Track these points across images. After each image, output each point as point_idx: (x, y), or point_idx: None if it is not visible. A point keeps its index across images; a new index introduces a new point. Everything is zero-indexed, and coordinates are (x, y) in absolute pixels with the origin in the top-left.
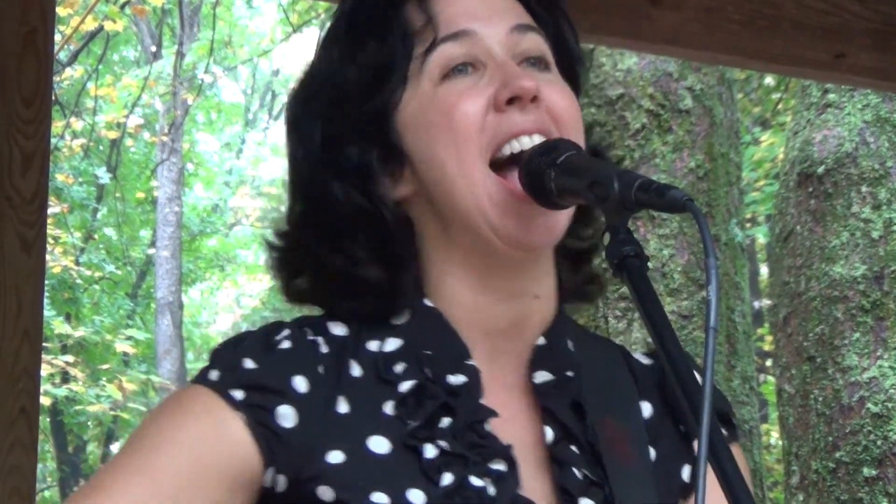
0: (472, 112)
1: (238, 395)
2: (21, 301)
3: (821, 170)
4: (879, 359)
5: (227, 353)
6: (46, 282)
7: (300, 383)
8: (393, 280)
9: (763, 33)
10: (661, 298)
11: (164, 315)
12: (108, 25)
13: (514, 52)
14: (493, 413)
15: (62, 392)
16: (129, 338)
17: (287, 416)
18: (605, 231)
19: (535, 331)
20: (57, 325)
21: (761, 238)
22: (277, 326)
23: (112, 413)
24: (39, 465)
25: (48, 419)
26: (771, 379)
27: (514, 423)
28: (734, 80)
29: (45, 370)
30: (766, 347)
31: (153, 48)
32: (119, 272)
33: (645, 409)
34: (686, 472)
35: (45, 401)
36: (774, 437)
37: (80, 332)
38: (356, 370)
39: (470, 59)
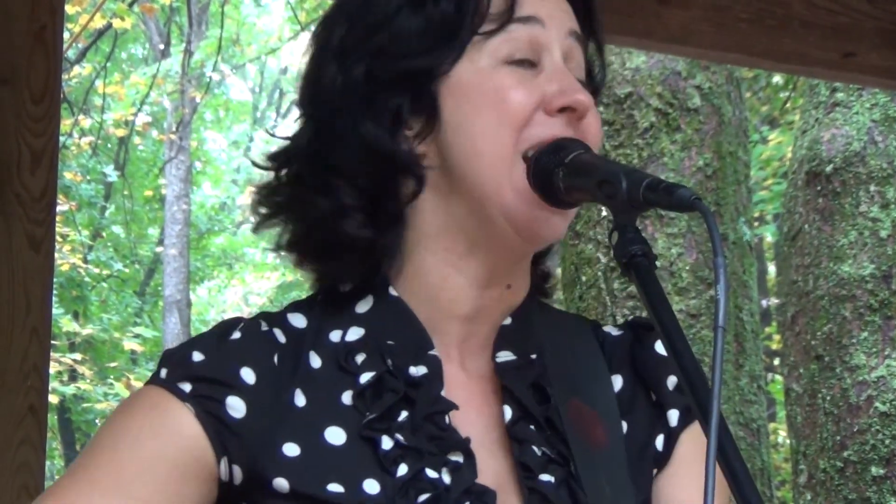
0: (525, 102)
1: (186, 387)
2: (30, 299)
3: (829, 169)
4: (887, 358)
5: (175, 352)
6: (54, 280)
7: (248, 374)
8: (373, 241)
9: (772, 32)
10: (669, 297)
11: (171, 313)
12: (117, 23)
13: (566, 59)
14: (452, 405)
15: (70, 390)
16: (137, 336)
17: (236, 406)
18: (614, 230)
19: (503, 315)
20: (65, 323)
21: (769, 237)
22: (233, 321)
23: None
24: (47, 463)
25: (56, 417)
26: (779, 378)
27: (474, 407)
28: (742, 79)
29: (53, 368)
30: (774, 346)
31: (161, 46)
32: (127, 270)
33: (616, 382)
34: (660, 442)
35: (52, 399)
36: (782, 435)
37: (88, 330)
38: (315, 361)
39: (531, 56)
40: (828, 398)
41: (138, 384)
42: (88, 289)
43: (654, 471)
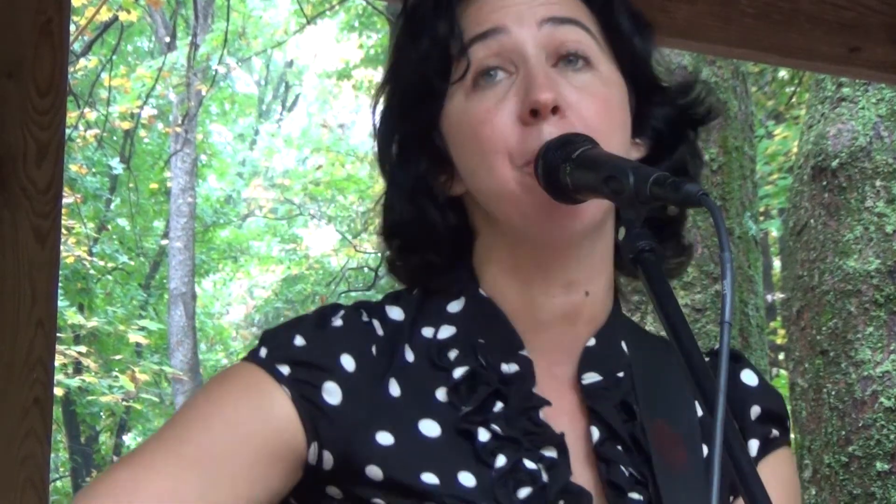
0: (499, 128)
1: (284, 370)
2: (35, 291)
3: (835, 164)
4: (893, 353)
5: (277, 332)
6: (59, 272)
7: (348, 362)
8: (454, 263)
9: (778, 27)
10: (675, 292)
11: (176, 306)
12: (123, 16)
13: (549, 48)
14: (545, 402)
15: (75, 382)
16: (142, 328)
17: (333, 392)
18: (621, 225)
19: (586, 328)
20: (70, 315)
21: (774, 231)
22: (333, 308)
23: (124, 404)
24: (52, 455)
25: (61, 409)
26: (784, 373)
27: (564, 416)
28: (748, 74)
29: (57, 360)
30: (779, 341)
31: (167, 39)
32: (132, 263)
33: (699, 406)
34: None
35: (57, 391)
36: None
37: (93, 323)
38: (409, 355)
39: (500, 63)
40: (833, 393)
41: (143, 377)
42: (93, 281)
43: (731, 497)
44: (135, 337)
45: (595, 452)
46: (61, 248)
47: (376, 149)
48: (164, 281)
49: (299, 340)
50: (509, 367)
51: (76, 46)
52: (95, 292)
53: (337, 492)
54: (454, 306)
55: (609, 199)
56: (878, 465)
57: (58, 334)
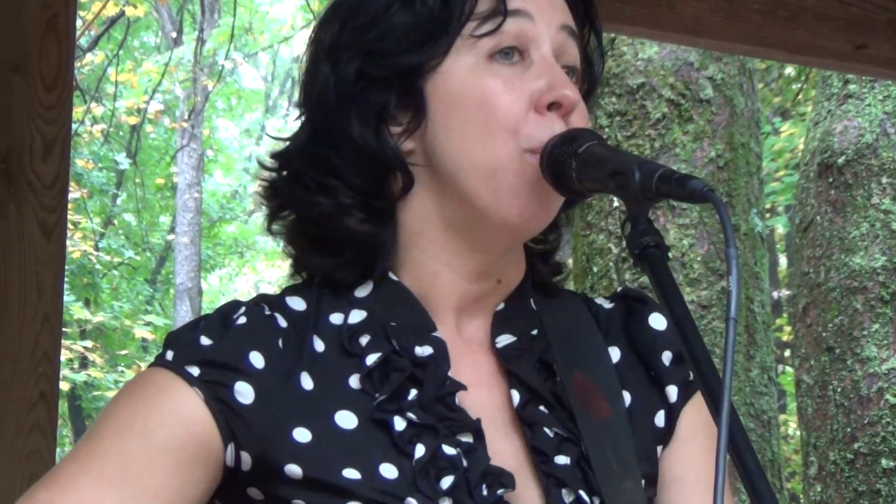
0: (514, 107)
1: (194, 371)
2: (41, 286)
3: (841, 160)
4: None
5: (182, 334)
6: (66, 267)
7: (256, 359)
8: (372, 236)
9: (785, 23)
10: (681, 288)
11: (183, 301)
12: (129, 11)
13: (558, 52)
14: (461, 386)
15: (81, 377)
16: (148, 324)
17: (245, 392)
18: (626, 221)
19: (495, 303)
20: (76, 310)
21: (780, 228)
22: (234, 305)
23: None
24: (57, 450)
25: (66, 404)
26: (790, 369)
27: (482, 391)
28: (755, 70)
29: (63, 355)
30: (785, 338)
31: (174, 34)
32: (138, 258)
33: (613, 354)
34: (660, 418)
35: (63, 386)
36: (792, 427)
37: (99, 318)
38: (319, 345)
39: (519, 45)
40: (838, 390)
41: None
42: (100, 276)
43: (659, 448)
44: (141, 332)
45: (518, 417)
46: (67, 242)
47: (325, 69)
48: (171, 276)
49: (205, 340)
50: (423, 350)
51: (83, 41)
52: (101, 287)
53: (257, 493)
54: (361, 291)
55: (615, 194)
56: (884, 461)
57: (63, 329)
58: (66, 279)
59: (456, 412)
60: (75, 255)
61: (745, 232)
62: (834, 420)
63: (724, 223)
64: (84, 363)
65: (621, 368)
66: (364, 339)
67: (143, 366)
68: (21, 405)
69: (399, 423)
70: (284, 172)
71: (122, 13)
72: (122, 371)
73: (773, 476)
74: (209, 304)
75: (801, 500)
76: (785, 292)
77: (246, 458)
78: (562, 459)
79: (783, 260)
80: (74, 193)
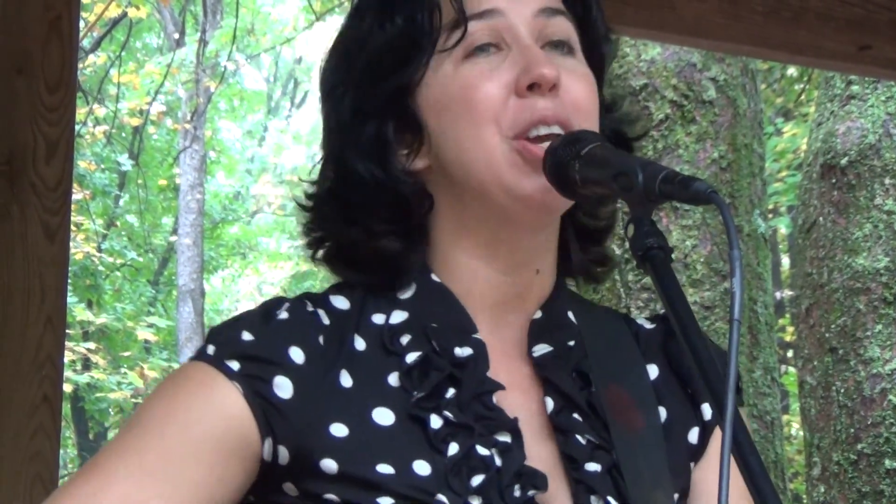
0: (492, 94)
1: (234, 365)
2: (44, 288)
3: (844, 161)
4: None
5: (223, 329)
6: (69, 268)
7: (296, 354)
8: (407, 252)
9: (787, 24)
10: (684, 289)
11: (185, 302)
12: (132, 12)
13: (539, 34)
14: (499, 386)
15: (84, 379)
16: (151, 325)
17: (284, 386)
18: (629, 223)
19: (534, 303)
20: (79, 311)
21: (783, 229)
22: (278, 301)
23: (133, 400)
24: (60, 452)
25: (69, 406)
26: (792, 370)
27: (518, 394)
28: (757, 71)
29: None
30: (788, 338)
31: (176, 35)
32: (141, 259)
33: (651, 371)
34: (693, 435)
35: (66, 387)
36: (795, 428)
37: (101, 319)
38: (360, 343)
39: (493, 40)
40: (842, 391)
41: (152, 374)
42: (102, 278)
43: (692, 464)
44: (143, 333)
45: (551, 423)
46: (70, 244)
47: (328, 109)
48: (173, 277)
49: (246, 335)
50: (462, 351)
51: (85, 43)
52: (104, 289)
53: (292, 488)
54: (404, 293)
55: (618, 195)
56: (887, 462)
57: (66, 331)
58: (68, 281)
59: (493, 411)
60: (78, 257)
61: (748, 233)
62: (837, 421)
63: (728, 225)
64: (87, 365)
65: (658, 385)
66: (405, 339)
67: (147, 367)
68: (24, 407)
69: (435, 421)
70: (318, 212)
71: (125, 14)
72: (125, 373)
73: (776, 477)
74: (212, 306)
75: (805, 501)
76: (788, 293)
77: (283, 453)
78: (592, 466)
79: (786, 261)
80: (77, 195)
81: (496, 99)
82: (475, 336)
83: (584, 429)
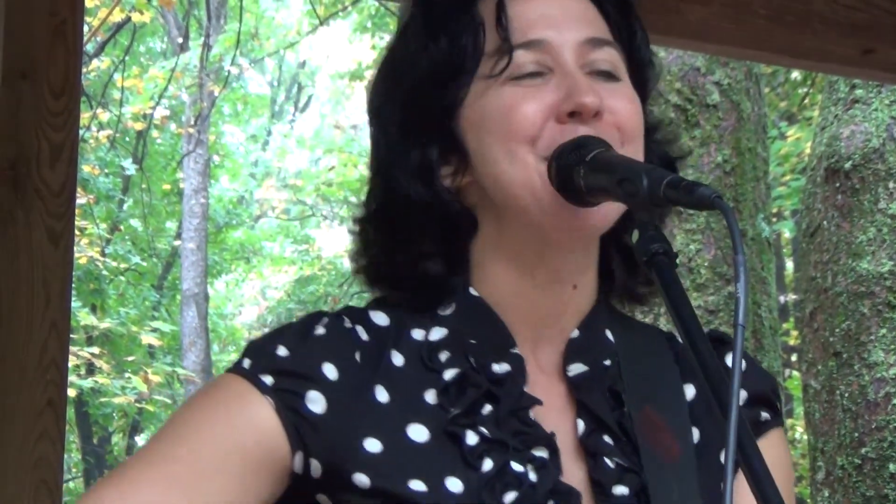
0: (531, 115)
1: (268, 380)
2: (49, 293)
3: (848, 165)
4: None
5: (260, 343)
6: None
7: (330, 370)
8: (449, 275)
9: (791, 28)
10: (688, 293)
11: (189, 307)
12: (135, 17)
13: (585, 62)
14: (537, 401)
15: (88, 383)
16: (155, 329)
17: (317, 401)
18: (634, 228)
19: (572, 321)
20: (83, 316)
21: (787, 233)
22: (317, 316)
23: (137, 405)
24: (65, 457)
25: (73, 410)
26: (796, 374)
27: (553, 412)
28: (761, 75)
29: (70, 361)
30: (792, 342)
31: (180, 40)
32: (145, 264)
33: (688, 391)
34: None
35: (70, 392)
36: (799, 432)
37: (105, 324)
38: (398, 359)
39: (538, 69)
40: (846, 395)
41: (156, 378)
42: (106, 282)
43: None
44: (147, 338)
45: (581, 446)
46: (74, 248)
47: (376, 132)
48: (177, 282)
49: (282, 351)
50: (500, 367)
51: (89, 47)
52: (108, 293)
53: (326, 499)
54: (445, 309)
55: (623, 201)
56: (892, 466)
57: (70, 335)
58: (72, 285)
59: (530, 426)
60: (82, 261)
61: (752, 237)
62: (841, 425)
63: (733, 230)
64: (91, 369)
65: (694, 405)
66: (443, 356)
67: (150, 372)
68: (29, 412)
69: (471, 438)
70: (365, 236)
71: (129, 19)
72: (129, 377)
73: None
74: (215, 310)
75: None
76: (792, 297)
77: (315, 466)
78: (620, 490)
79: (790, 264)
80: (81, 199)
81: (534, 120)
82: (514, 351)
83: (614, 452)
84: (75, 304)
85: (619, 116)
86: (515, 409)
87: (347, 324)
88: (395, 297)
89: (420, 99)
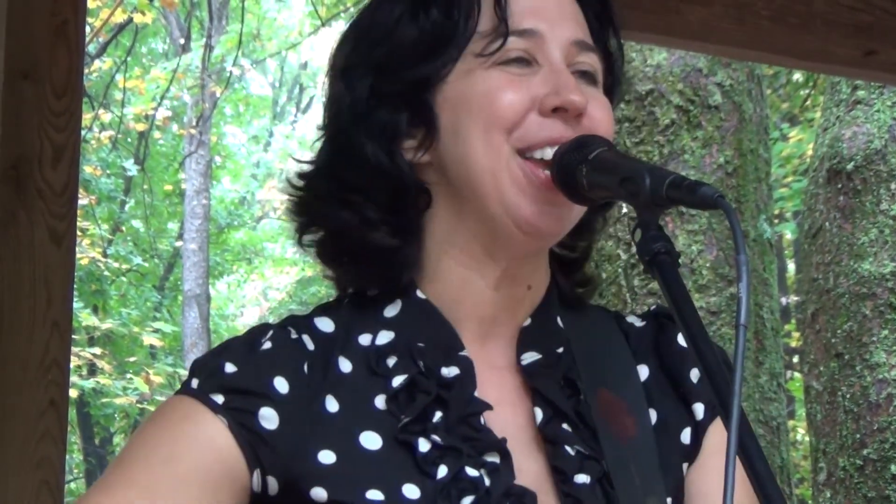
0: (515, 103)
1: (218, 399)
2: (51, 293)
3: (850, 166)
4: None
5: (207, 361)
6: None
7: (280, 384)
8: (399, 248)
9: (794, 29)
10: (690, 294)
11: (191, 308)
12: (137, 17)
13: (571, 62)
14: (486, 406)
15: (89, 384)
16: (156, 330)
17: (269, 417)
18: (636, 227)
19: (524, 315)
20: (84, 317)
21: (789, 234)
22: (262, 329)
23: (139, 406)
24: (66, 457)
25: (75, 411)
26: (798, 375)
27: (507, 408)
28: (763, 76)
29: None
30: (794, 344)
31: (182, 40)
32: (146, 264)
33: (642, 372)
34: (686, 435)
35: (72, 393)
36: (801, 433)
37: (107, 325)
38: (346, 365)
39: (527, 56)
40: (847, 396)
41: (157, 379)
42: (108, 283)
43: (685, 465)
44: (149, 339)
45: (541, 435)
46: (76, 249)
47: (342, 81)
48: (179, 283)
49: (230, 367)
50: (449, 371)
51: (91, 48)
52: (110, 294)
53: None
54: (390, 311)
55: (625, 200)
56: (893, 468)
57: (72, 336)
58: (74, 286)
59: (481, 432)
60: (83, 262)
61: (755, 238)
62: (843, 426)
63: (735, 230)
64: (92, 370)
65: (649, 386)
66: (391, 361)
67: (152, 373)
68: (31, 412)
69: (423, 445)
70: (310, 192)
71: (130, 20)
72: (131, 378)
73: (782, 482)
74: (217, 311)
75: None
76: (794, 298)
77: (273, 483)
78: (582, 478)
79: (792, 266)
80: (83, 200)
81: (516, 109)
82: (462, 354)
83: (573, 439)
84: (77, 304)
85: (596, 123)
86: (465, 416)
87: (293, 335)
88: (339, 273)
89: (400, 66)
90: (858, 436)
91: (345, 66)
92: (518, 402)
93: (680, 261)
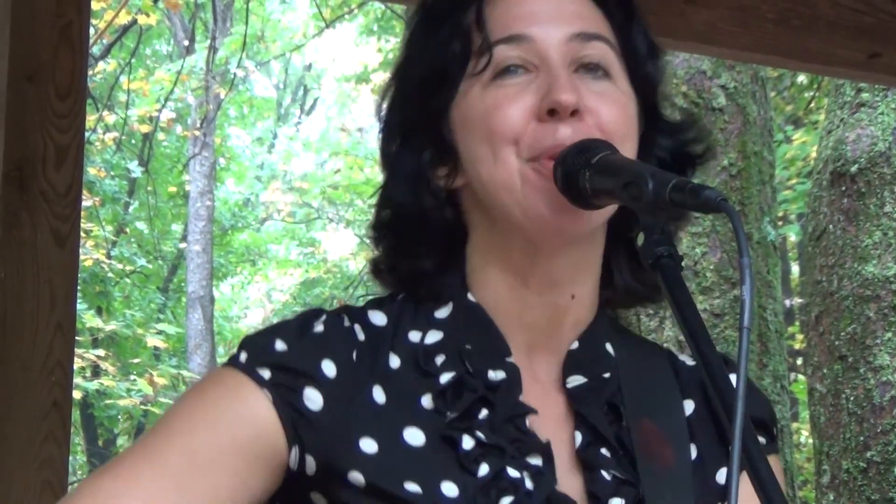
0: (513, 117)
1: (265, 374)
2: (54, 294)
3: (854, 169)
4: None
5: (257, 337)
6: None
7: (329, 367)
8: (440, 274)
9: (797, 32)
10: (693, 297)
11: (195, 309)
12: (142, 19)
13: (573, 58)
14: (531, 410)
15: (93, 386)
16: (160, 332)
17: (314, 398)
18: (640, 231)
19: (571, 331)
20: (88, 318)
21: (793, 236)
22: (315, 312)
23: (142, 407)
24: (70, 458)
25: (78, 412)
26: (802, 378)
27: (550, 423)
28: (767, 79)
29: (76, 364)
30: (797, 346)
31: (186, 42)
32: (150, 266)
33: (687, 407)
34: (722, 475)
35: (75, 394)
36: (805, 435)
37: (111, 326)
38: (394, 361)
39: (521, 63)
40: (851, 398)
41: (161, 380)
42: (112, 284)
43: None
44: (153, 340)
45: (579, 458)
46: (80, 251)
47: (380, 140)
48: (183, 284)
49: (280, 345)
50: (496, 374)
51: (95, 49)
52: (114, 295)
53: (320, 497)
54: (441, 312)
55: (628, 204)
56: None
57: (76, 337)
58: (78, 287)
59: (526, 434)
60: (87, 264)
61: (758, 240)
62: (847, 428)
63: (738, 233)
64: (96, 371)
65: (693, 422)
66: (439, 359)
67: (156, 374)
68: (35, 414)
69: (467, 442)
70: (380, 242)
71: (135, 21)
72: (135, 379)
73: (785, 485)
74: (221, 313)
75: None
76: (797, 301)
77: (311, 463)
78: (616, 502)
79: (795, 268)
80: (86, 201)
81: (516, 122)
82: (509, 360)
83: (611, 464)
84: (81, 306)
85: (601, 118)
86: (511, 416)
87: (346, 322)
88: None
89: (415, 103)
90: (862, 438)
91: (382, 115)
92: (560, 422)
93: (683, 263)
